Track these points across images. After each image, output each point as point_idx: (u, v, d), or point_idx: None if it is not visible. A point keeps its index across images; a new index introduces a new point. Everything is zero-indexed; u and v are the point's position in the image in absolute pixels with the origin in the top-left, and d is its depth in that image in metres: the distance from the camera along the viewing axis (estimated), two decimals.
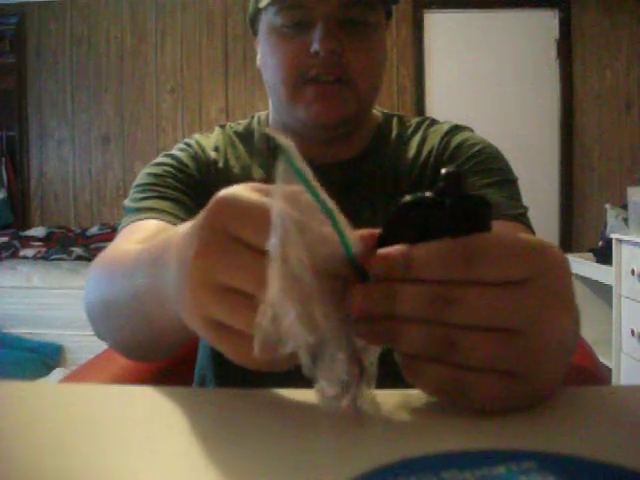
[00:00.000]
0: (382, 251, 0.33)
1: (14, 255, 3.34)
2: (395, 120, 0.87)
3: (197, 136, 0.86)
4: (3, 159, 3.73)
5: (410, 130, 0.85)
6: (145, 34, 3.70)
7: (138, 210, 0.72)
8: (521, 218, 0.74)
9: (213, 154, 0.82)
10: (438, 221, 0.32)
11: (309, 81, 0.72)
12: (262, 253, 0.31)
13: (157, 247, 0.44)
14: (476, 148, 0.79)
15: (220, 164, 0.81)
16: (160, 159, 0.81)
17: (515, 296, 0.31)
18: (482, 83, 3.52)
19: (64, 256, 3.29)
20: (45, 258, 3.30)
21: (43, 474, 0.28)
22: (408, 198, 0.33)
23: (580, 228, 3.50)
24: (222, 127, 0.87)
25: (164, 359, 0.59)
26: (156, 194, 0.74)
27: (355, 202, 0.78)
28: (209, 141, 0.84)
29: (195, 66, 3.69)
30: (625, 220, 2.69)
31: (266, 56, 0.76)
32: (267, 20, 0.74)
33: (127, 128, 3.72)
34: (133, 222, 0.70)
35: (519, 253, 0.32)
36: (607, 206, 2.91)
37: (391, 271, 0.32)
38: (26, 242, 3.40)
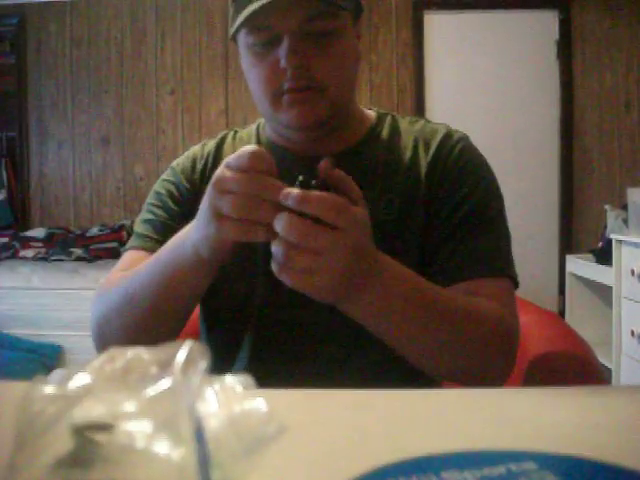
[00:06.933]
0: (289, 189, 0.56)
1: (14, 256, 3.34)
2: (389, 118, 0.92)
3: (196, 147, 0.95)
4: (3, 160, 3.73)
5: (403, 126, 0.90)
6: (145, 35, 3.70)
7: (136, 235, 0.88)
8: (506, 270, 0.79)
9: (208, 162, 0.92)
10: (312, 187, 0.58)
11: (283, 92, 0.78)
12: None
13: (172, 242, 0.71)
14: (473, 180, 0.82)
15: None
16: (165, 174, 0.93)
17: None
18: (482, 84, 3.52)
19: (64, 257, 3.29)
20: (45, 259, 3.30)
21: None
22: (301, 178, 0.58)
23: (580, 229, 3.50)
24: (234, 131, 0.96)
25: (175, 337, 0.74)
26: (152, 216, 0.88)
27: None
28: (212, 144, 0.94)
29: (195, 67, 3.69)
30: (625, 221, 2.69)
31: (247, 72, 0.83)
32: (242, 40, 0.81)
33: (127, 129, 3.72)
34: (128, 250, 0.87)
35: (344, 209, 0.56)
36: (607, 207, 2.91)
37: (289, 200, 0.55)
38: (26, 243, 3.40)
